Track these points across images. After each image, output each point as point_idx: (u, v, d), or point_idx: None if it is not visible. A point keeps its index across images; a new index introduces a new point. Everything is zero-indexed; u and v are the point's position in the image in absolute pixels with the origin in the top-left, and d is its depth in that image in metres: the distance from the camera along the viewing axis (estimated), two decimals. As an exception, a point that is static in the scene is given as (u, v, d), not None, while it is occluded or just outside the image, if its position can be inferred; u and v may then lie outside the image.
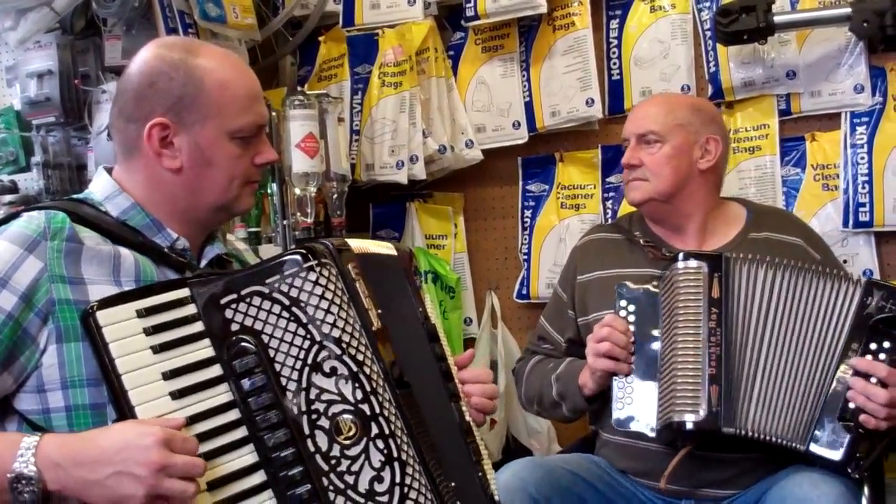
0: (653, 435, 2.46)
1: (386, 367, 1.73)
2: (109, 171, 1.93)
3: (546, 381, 2.71)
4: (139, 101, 1.84)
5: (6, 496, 1.54)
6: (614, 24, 3.60)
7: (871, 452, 2.33)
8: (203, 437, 1.60)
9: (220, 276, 1.73)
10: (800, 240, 2.67)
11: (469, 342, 3.87)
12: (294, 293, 1.67)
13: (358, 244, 1.86)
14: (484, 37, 3.79)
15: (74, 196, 1.93)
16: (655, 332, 2.49)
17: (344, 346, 1.67)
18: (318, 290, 1.68)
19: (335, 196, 3.48)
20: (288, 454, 1.63)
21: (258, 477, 1.63)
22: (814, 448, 2.34)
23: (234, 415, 1.65)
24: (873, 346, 2.33)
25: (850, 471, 2.32)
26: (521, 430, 3.72)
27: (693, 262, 2.46)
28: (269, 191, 3.37)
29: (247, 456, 1.64)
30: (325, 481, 1.64)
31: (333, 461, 1.64)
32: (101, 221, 1.82)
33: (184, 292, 1.69)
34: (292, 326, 1.67)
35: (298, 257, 1.69)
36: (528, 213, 3.81)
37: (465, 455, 1.92)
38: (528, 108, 3.71)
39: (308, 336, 1.67)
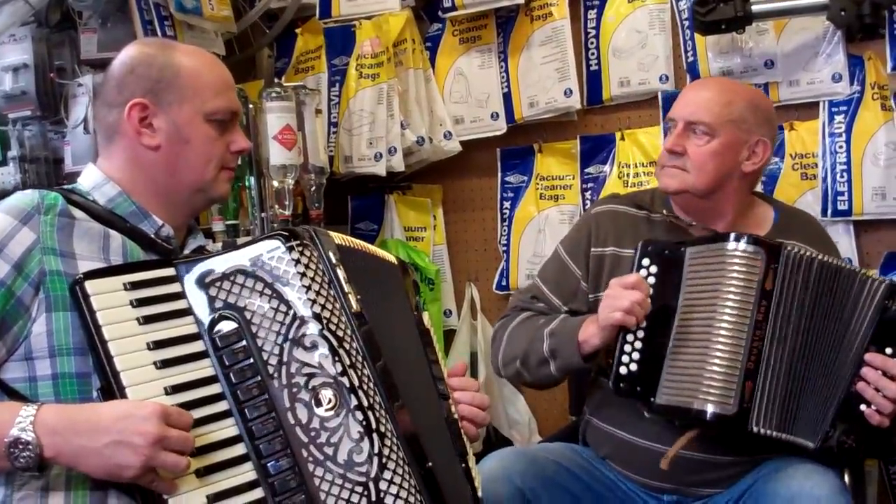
0: (652, 407, 2.39)
1: (363, 347, 1.78)
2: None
3: (537, 336, 2.56)
4: (120, 87, 1.92)
5: (4, 462, 1.58)
6: (592, 14, 3.60)
7: (871, 445, 2.32)
8: (185, 407, 1.64)
9: (205, 257, 1.78)
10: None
11: (449, 334, 3.87)
12: (276, 271, 1.73)
13: (343, 237, 1.93)
14: (461, 28, 3.78)
15: (63, 187, 1.97)
16: (675, 301, 2.39)
17: (324, 321, 1.72)
18: (300, 269, 1.74)
19: (313, 188, 3.47)
20: (268, 426, 1.68)
21: (239, 448, 1.67)
22: (824, 446, 2.29)
23: (216, 388, 1.69)
24: (889, 350, 2.29)
25: (846, 464, 2.32)
26: (502, 421, 3.72)
27: (750, 247, 2.33)
28: (246, 183, 3.36)
29: (228, 428, 1.68)
30: (305, 453, 1.68)
31: (313, 433, 1.69)
32: (89, 207, 1.87)
33: (170, 271, 1.76)
34: (274, 303, 1.73)
35: (280, 237, 1.76)
36: (507, 204, 3.81)
37: (449, 444, 1.95)
38: (507, 99, 3.71)
39: (289, 312, 1.72)
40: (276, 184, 3.29)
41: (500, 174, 3.83)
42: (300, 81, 3.75)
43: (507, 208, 3.80)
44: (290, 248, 1.75)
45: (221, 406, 1.69)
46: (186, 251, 1.99)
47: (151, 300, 1.70)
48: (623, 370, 2.40)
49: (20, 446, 1.56)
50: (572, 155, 3.67)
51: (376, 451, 1.70)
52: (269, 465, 1.67)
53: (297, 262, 1.75)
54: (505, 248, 3.78)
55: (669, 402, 2.36)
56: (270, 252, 1.75)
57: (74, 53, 3.43)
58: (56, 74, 3.45)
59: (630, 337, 2.40)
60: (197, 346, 1.71)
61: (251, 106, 3.35)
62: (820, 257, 2.36)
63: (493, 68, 3.74)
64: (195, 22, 3.34)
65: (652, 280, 2.41)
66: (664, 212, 2.64)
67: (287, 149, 3.27)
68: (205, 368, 1.70)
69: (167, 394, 1.64)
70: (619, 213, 2.69)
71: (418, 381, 1.97)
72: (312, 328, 1.72)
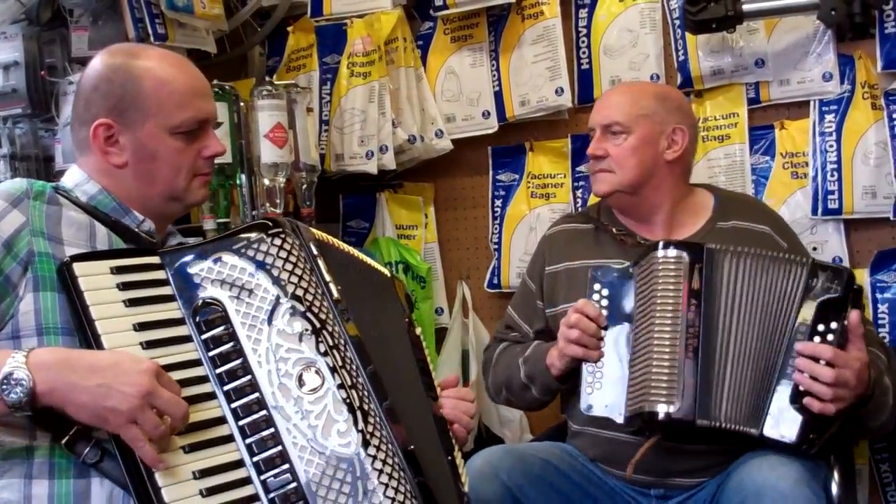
0: (621, 421, 2.45)
1: (345, 331, 1.82)
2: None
3: (514, 364, 2.71)
4: (87, 104, 1.96)
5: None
6: (583, 13, 3.60)
7: (826, 430, 2.33)
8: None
9: (189, 247, 1.84)
10: (767, 227, 2.67)
11: (440, 332, 3.87)
12: (260, 257, 1.78)
13: (323, 234, 1.97)
14: (453, 26, 3.78)
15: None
16: (628, 318, 2.48)
17: (307, 303, 1.77)
18: (283, 254, 1.79)
19: (304, 186, 3.47)
20: (253, 407, 1.71)
21: (224, 429, 1.70)
22: (767, 432, 2.33)
23: (200, 371, 1.73)
24: (821, 327, 2.33)
25: (805, 449, 2.32)
26: (493, 419, 3.72)
27: (673, 252, 2.43)
28: (237, 181, 3.36)
29: (213, 409, 1.71)
30: (290, 432, 1.71)
31: (297, 413, 1.72)
32: (74, 201, 1.91)
33: (155, 259, 1.80)
34: (258, 288, 1.77)
35: (264, 225, 1.83)
36: (498, 202, 3.81)
37: (434, 436, 1.98)
38: (498, 97, 3.71)
39: (272, 295, 1.76)
40: (267, 182, 3.29)
41: (491, 172, 3.82)
42: (291, 80, 3.75)
43: (498, 206, 3.80)
44: (273, 236, 1.80)
45: (206, 388, 1.72)
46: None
47: (137, 284, 1.74)
48: (589, 392, 2.51)
49: (12, 382, 1.58)
50: (563, 153, 3.67)
51: (359, 427, 1.73)
52: (253, 444, 1.70)
53: (281, 247, 1.79)
54: (496, 247, 3.78)
55: (631, 411, 2.43)
56: (254, 239, 1.80)
57: (65, 51, 3.43)
58: (47, 72, 3.46)
59: (590, 367, 2.51)
60: (182, 331, 1.75)
61: (242, 104, 3.34)
62: (745, 250, 2.43)
63: (484, 67, 3.74)
64: (186, 20, 3.33)
65: (605, 302, 2.52)
66: (606, 223, 2.76)
67: (278, 147, 3.27)
68: (190, 352, 1.73)
69: None
70: (569, 231, 2.85)
71: (404, 374, 2.01)
72: (296, 310, 1.76)
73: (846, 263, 3.15)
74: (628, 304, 2.50)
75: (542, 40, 3.60)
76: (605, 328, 2.49)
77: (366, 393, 1.78)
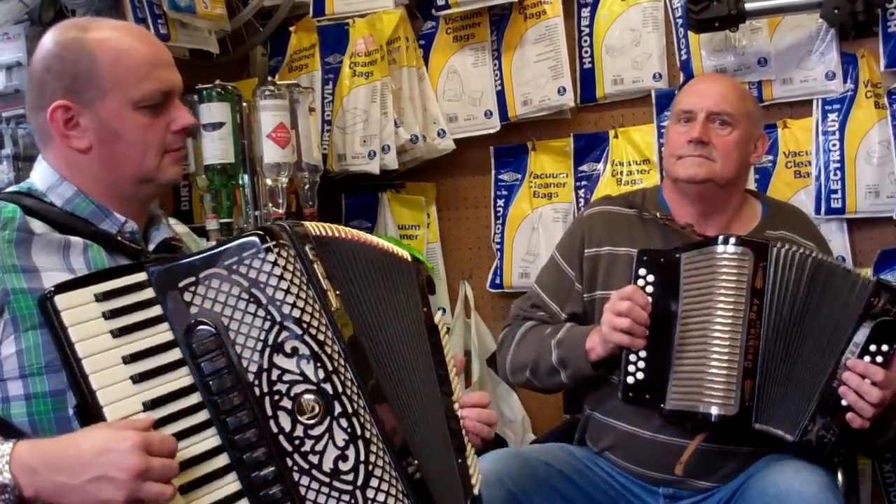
0: (662, 413, 2.42)
1: (345, 348, 1.71)
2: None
3: (545, 346, 2.61)
4: (40, 88, 1.82)
5: None
6: (585, 12, 3.60)
7: (851, 445, 2.35)
8: (165, 420, 1.59)
9: (178, 259, 1.70)
10: (812, 244, 2.62)
11: (443, 332, 3.86)
12: (253, 274, 1.66)
13: (324, 226, 1.84)
14: (455, 26, 3.78)
15: (17, 189, 1.89)
16: (675, 306, 2.43)
17: (304, 325, 1.66)
18: (277, 271, 1.66)
19: (307, 186, 3.47)
20: (251, 435, 1.62)
21: (222, 459, 1.62)
22: (803, 439, 2.32)
23: (195, 398, 1.63)
24: (873, 347, 2.30)
25: (827, 460, 2.32)
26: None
27: (737, 248, 2.37)
28: (240, 181, 3.36)
29: (210, 439, 1.62)
30: (290, 461, 1.63)
31: (297, 441, 1.64)
32: (48, 213, 1.79)
33: (141, 276, 1.65)
34: (252, 308, 1.65)
35: (256, 238, 1.67)
36: (500, 202, 3.80)
37: (446, 439, 1.90)
38: (500, 97, 3.71)
39: (268, 317, 1.65)
40: (269, 182, 3.29)
41: (493, 172, 3.82)
42: (294, 80, 3.74)
43: (500, 206, 3.80)
44: (267, 250, 1.66)
45: (202, 416, 1.62)
46: (151, 245, 1.91)
47: (124, 310, 1.62)
48: (630, 380, 2.45)
49: None
50: (566, 153, 3.67)
51: (362, 458, 1.66)
52: (253, 475, 1.62)
53: (275, 263, 1.66)
54: (499, 247, 3.78)
55: (677, 406, 2.39)
56: (246, 254, 1.66)
57: (68, 51, 3.42)
58: (49, 73, 3.45)
59: (633, 356, 2.45)
60: (174, 355, 1.63)
61: (245, 104, 3.34)
62: (809, 254, 2.39)
63: (486, 66, 3.73)
64: (189, 20, 3.33)
65: (650, 289, 2.46)
66: (657, 214, 2.66)
67: (281, 147, 3.27)
68: (183, 378, 1.63)
69: (146, 409, 1.57)
70: (611, 214, 2.73)
71: (416, 374, 1.89)
72: (293, 333, 1.65)
73: (849, 263, 3.14)
74: (676, 291, 2.44)
75: (544, 39, 3.60)
76: (651, 316, 2.43)
77: (367, 417, 1.69)
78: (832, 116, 3.19)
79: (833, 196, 3.16)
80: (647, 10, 3.47)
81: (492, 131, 3.74)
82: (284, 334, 1.65)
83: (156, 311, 1.64)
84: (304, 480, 1.63)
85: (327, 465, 1.64)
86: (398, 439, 1.74)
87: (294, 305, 1.66)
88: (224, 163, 3.25)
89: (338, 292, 1.76)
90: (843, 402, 2.30)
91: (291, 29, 3.91)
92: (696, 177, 2.59)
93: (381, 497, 1.67)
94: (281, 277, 1.66)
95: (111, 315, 1.60)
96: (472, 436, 1.98)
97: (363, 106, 3.66)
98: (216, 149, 3.24)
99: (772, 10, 3.16)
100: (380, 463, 1.68)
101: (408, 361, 1.89)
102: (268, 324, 1.65)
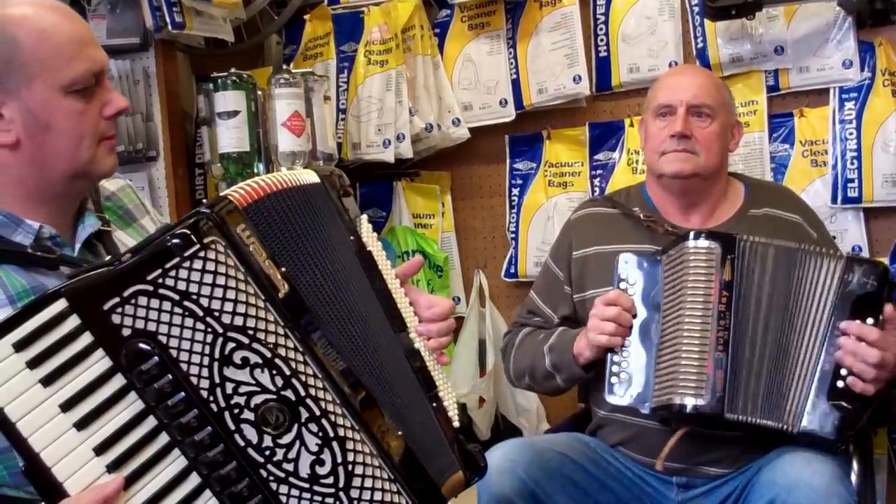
0: (646, 411, 2.44)
1: (302, 337, 1.56)
2: None
3: (538, 353, 2.67)
4: None
5: None
6: (601, 0, 3.59)
7: (857, 424, 2.32)
8: (121, 459, 1.47)
9: (97, 274, 1.48)
10: (798, 217, 2.64)
11: (457, 321, 3.86)
12: (182, 286, 1.48)
13: (248, 188, 1.60)
14: (470, 14, 3.77)
15: None
16: (656, 308, 2.46)
17: (251, 332, 1.51)
18: (209, 278, 1.49)
19: (322, 175, 3.47)
20: (217, 453, 1.50)
21: (192, 481, 1.51)
22: (804, 428, 2.31)
23: (150, 424, 1.49)
24: (857, 322, 2.31)
25: (839, 446, 2.31)
26: (510, 408, 3.72)
27: (705, 242, 2.40)
28: (255, 170, 3.36)
29: (175, 463, 1.50)
30: (264, 473, 1.52)
31: (268, 452, 1.53)
32: None
33: (61, 304, 1.44)
34: (189, 322, 1.48)
35: (178, 243, 1.47)
36: (515, 191, 3.80)
37: (416, 389, 1.79)
38: (515, 85, 3.70)
39: (209, 329, 1.49)
40: (284, 170, 3.28)
41: (508, 161, 3.82)
42: (309, 68, 3.74)
43: (515, 195, 3.79)
44: (194, 256, 1.47)
45: (161, 441, 1.49)
46: (78, 244, 1.74)
47: (50, 350, 1.43)
48: (614, 380, 2.49)
49: None
50: (581, 142, 3.66)
51: (339, 460, 1.56)
52: (227, 491, 1.51)
53: (204, 270, 1.48)
54: (513, 236, 3.77)
55: (658, 402, 2.41)
56: (169, 265, 1.47)
57: (83, 39, 3.43)
58: (64, 61, 3.45)
59: (617, 357, 2.49)
60: (116, 383, 1.47)
61: (260, 93, 3.34)
62: (775, 242, 2.41)
63: (501, 55, 3.73)
64: (203, 8, 3.33)
65: (632, 292, 2.50)
66: (635, 210, 2.70)
67: (296, 135, 3.27)
68: (132, 405, 1.48)
69: (98, 454, 1.45)
70: (597, 215, 2.79)
71: (370, 327, 1.73)
72: (240, 343, 1.50)
73: (866, 252, 3.14)
74: (656, 293, 2.47)
75: (559, 28, 3.59)
76: (633, 316, 2.48)
77: (339, 411, 1.57)
78: (849, 105, 3.17)
79: (850, 185, 3.15)
80: (663, -2, 3.47)
81: (507, 120, 3.73)
82: (231, 345, 1.50)
83: (86, 338, 1.46)
84: (284, 489, 1.54)
85: (304, 471, 1.55)
86: (377, 427, 1.63)
87: (235, 312, 1.50)
88: (239, 151, 3.26)
89: (283, 269, 1.57)
90: (839, 384, 2.30)
91: (306, 17, 3.91)
92: (682, 172, 2.61)
93: (367, 495, 1.59)
94: (214, 284, 1.49)
95: (38, 361, 1.43)
96: (437, 355, 1.84)
97: (378, 94, 3.65)
98: (231, 137, 3.25)
99: (789, -3, 3.15)
100: (360, 459, 1.59)
101: (359, 315, 1.73)
102: (210, 336, 1.49)
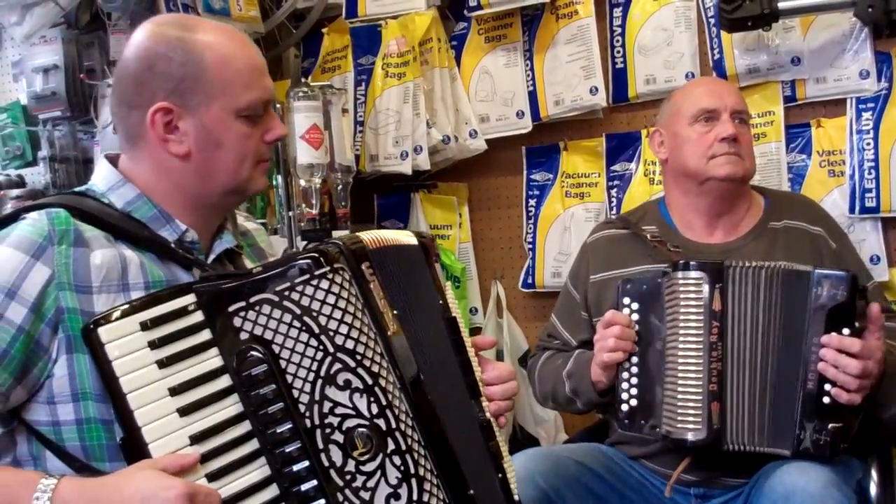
0: (657, 438, 2.46)
1: (402, 375, 1.65)
2: (111, 159, 1.84)
3: (558, 379, 2.68)
4: (139, 86, 1.75)
5: None
6: (617, 12, 3.60)
7: (849, 436, 2.33)
8: (213, 453, 1.55)
9: (228, 280, 1.63)
10: (821, 229, 2.64)
11: (474, 332, 3.87)
12: (305, 302, 1.59)
13: (373, 237, 1.76)
14: (487, 27, 3.78)
15: (76, 189, 1.84)
16: (659, 332, 2.46)
17: (359, 357, 1.60)
18: (331, 299, 1.59)
19: (340, 187, 3.49)
20: (301, 468, 1.57)
21: (270, 492, 1.58)
22: (800, 450, 2.32)
23: (244, 427, 1.58)
24: (834, 335, 2.31)
25: (830, 459, 2.32)
26: (527, 418, 3.73)
27: (693, 273, 2.40)
28: (274, 182, 3.38)
29: (258, 470, 1.58)
30: (340, 497, 1.57)
31: (348, 476, 1.58)
32: (104, 216, 1.73)
33: (189, 298, 1.60)
34: (304, 336, 1.59)
35: (310, 262, 1.60)
36: (532, 202, 3.81)
37: (486, 456, 1.85)
38: (532, 97, 3.71)
39: (321, 347, 1.59)
40: (303, 183, 3.31)
41: (525, 172, 3.83)
42: (327, 81, 3.76)
43: (532, 206, 3.80)
44: (322, 276, 1.60)
45: (251, 446, 1.58)
46: (212, 256, 1.85)
47: (171, 337, 1.57)
48: (625, 407, 2.50)
49: None
50: (598, 153, 3.67)
51: (415, 497, 1.60)
52: None
53: (328, 291, 1.59)
54: (531, 246, 3.78)
55: (663, 432, 2.43)
56: (298, 281, 1.59)
57: (104, 54, 3.46)
58: (86, 75, 3.49)
59: (625, 374, 2.49)
60: (222, 383, 1.59)
61: (278, 106, 3.36)
62: (759, 264, 2.40)
63: (518, 67, 3.74)
64: (223, 22, 3.35)
65: (636, 316, 2.49)
66: (644, 228, 2.71)
67: (314, 148, 3.29)
68: (231, 407, 1.59)
69: (192, 443, 1.54)
70: (610, 238, 2.81)
71: (451, 391, 1.83)
72: (346, 365, 1.59)
73: (884, 262, 3.13)
74: (659, 317, 2.47)
75: (576, 40, 3.60)
76: (637, 342, 2.47)
77: (421, 452, 1.63)
78: (866, 115, 3.17)
79: (867, 195, 3.15)
80: (680, 10, 3.47)
81: (524, 131, 3.74)
82: (337, 366, 1.59)
83: (204, 335, 1.60)
84: None
85: (379, 502, 1.59)
86: (454, 475, 1.69)
87: (348, 336, 1.60)
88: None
89: (395, 312, 1.70)
90: (825, 400, 2.30)
91: (324, 30, 3.93)
92: (734, 175, 2.62)
93: None
94: (335, 306, 1.60)
95: (158, 343, 1.55)
96: (500, 420, 1.92)
97: (395, 107, 3.67)
98: (250, 150, 3.26)
99: (805, 8, 3.14)
100: (433, 502, 1.63)
101: (445, 373, 1.83)
102: (320, 354, 1.59)
